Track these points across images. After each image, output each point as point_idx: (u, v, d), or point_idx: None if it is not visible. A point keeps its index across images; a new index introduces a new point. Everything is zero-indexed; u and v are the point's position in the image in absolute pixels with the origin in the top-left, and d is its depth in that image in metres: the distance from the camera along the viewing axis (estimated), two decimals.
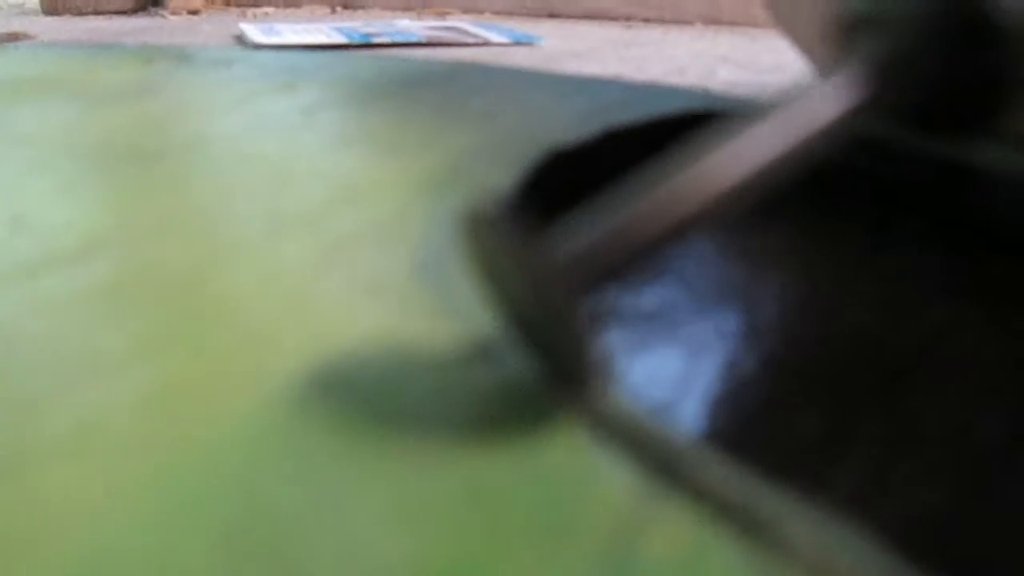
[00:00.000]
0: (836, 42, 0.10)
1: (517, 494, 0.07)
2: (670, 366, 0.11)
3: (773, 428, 0.10)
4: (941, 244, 0.15)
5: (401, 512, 0.07)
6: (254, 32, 0.51)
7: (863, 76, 0.09)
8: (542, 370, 0.08)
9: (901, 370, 0.11)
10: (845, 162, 0.16)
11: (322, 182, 0.15)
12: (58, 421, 0.08)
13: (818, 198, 0.16)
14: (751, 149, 0.08)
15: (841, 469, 0.09)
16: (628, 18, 0.61)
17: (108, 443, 0.08)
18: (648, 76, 0.35)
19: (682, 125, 0.18)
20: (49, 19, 0.69)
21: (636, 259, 0.08)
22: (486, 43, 0.48)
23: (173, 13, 0.70)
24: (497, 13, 0.66)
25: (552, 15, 0.65)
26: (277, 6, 0.75)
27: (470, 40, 0.49)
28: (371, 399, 0.08)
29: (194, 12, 0.71)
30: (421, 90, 0.22)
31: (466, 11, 0.67)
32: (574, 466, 0.07)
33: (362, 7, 0.73)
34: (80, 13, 0.71)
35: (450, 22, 0.59)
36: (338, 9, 0.73)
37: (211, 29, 0.59)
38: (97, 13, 0.71)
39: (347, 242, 0.12)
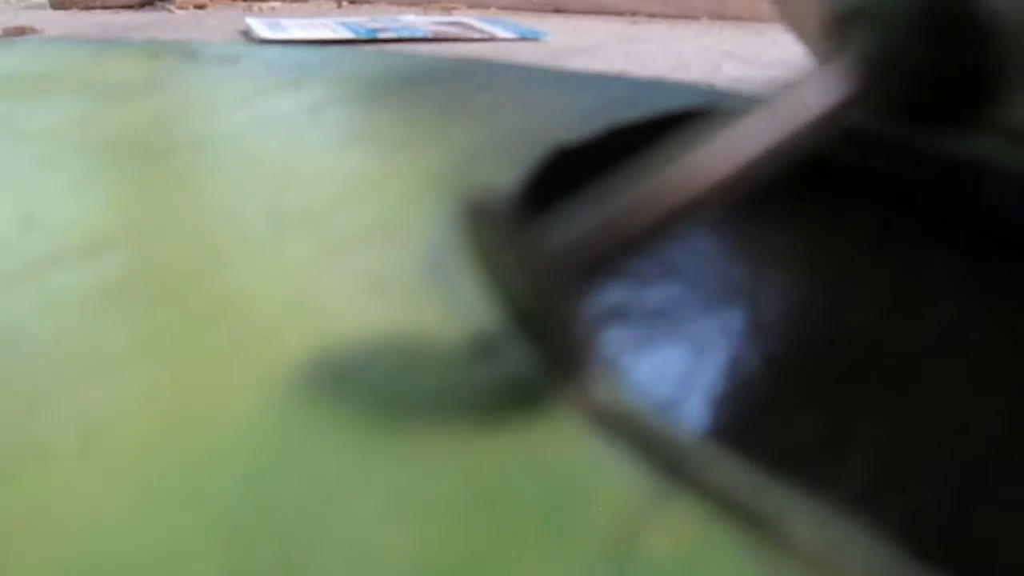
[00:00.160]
0: (829, 36, 0.10)
1: (521, 491, 0.07)
2: (674, 364, 0.11)
3: (776, 426, 0.10)
4: (945, 243, 0.15)
5: (406, 509, 0.07)
6: (260, 27, 0.51)
7: (853, 69, 0.09)
8: (547, 368, 0.09)
9: (904, 369, 0.11)
10: (849, 160, 0.16)
11: (327, 180, 0.15)
12: (62, 420, 0.08)
13: (822, 197, 0.16)
14: (740, 141, 0.09)
15: (844, 467, 0.09)
16: (633, 13, 0.61)
17: (113, 441, 0.08)
18: (653, 72, 0.35)
19: (687, 122, 0.18)
20: (56, 13, 0.69)
21: (627, 249, 0.08)
22: (492, 38, 0.48)
23: (179, 7, 0.70)
24: (503, 8, 0.66)
25: (558, 10, 0.64)
26: (283, 0, 0.75)
27: (476, 35, 0.49)
28: (376, 397, 0.08)
29: (200, 7, 0.71)
30: (427, 87, 0.22)
31: (472, 6, 0.67)
32: (578, 463, 0.07)
33: (368, 2, 0.73)
34: (87, 7, 0.71)
35: (456, 17, 0.59)
36: (344, 4, 0.73)
37: (217, 24, 0.59)
38: (104, 7, 0.71)
39: (352, 240, 0.12)
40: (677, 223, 0.08)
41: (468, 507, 0.07)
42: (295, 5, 0.73)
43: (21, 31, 0.54)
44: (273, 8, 0.71)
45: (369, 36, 0.48)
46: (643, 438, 0.08)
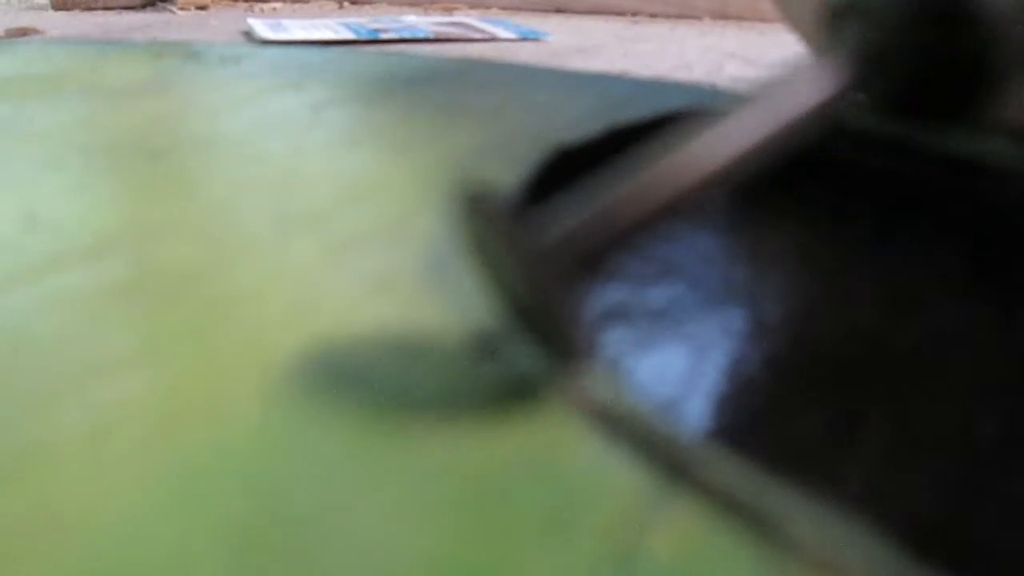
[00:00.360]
0: (824, 31, 0.10)
1: (524, 491, 0.07)
2: (676, 364, 0.11)
3: (777, 426, 0.10)
4: (946, 243, 0.15)
5: (409, 508, 0.07)
6: (261, 28, 0.51)
7: (845, 64, 0.09)
8: (549, 367, 0.09)
9: (904, 369, 0.11)
10: (849, 160, 0.16)
11: (330, 180, 0.15)
12: (67, 420, 0.08)
13: (823, 196, 0.16)
14: (732, 135, 0.09)
15: (845, 467, 0.09)
16: (635, 13, 0.61)
17: (116, 442, 0.08)
18: (655, 72, 0.35)
19: (688, 122, 0.18)
20: (58, 14, 0.69)
21: (621, 242, 0.08)
22: (493, 39, 0.48)
23: (181, 8, 0.70)
24: (504, 9, 0.66)
25: (559, 10, 0.64)
26: (285, 1, 0.75)
27: (477, 36, 0.49)
28: (380, 397, 0.08)
29: (202, 7, 0.71)
30: (428, 87, 0.22)
31: (473, 6, 0.67)
32: (580, 463, 0.07)
33: (369, 3, 0.73)
34: (89, 8, 0.71)
35: (457, 17, 0.59)
36: (345, 5, 0.73)
37: (219, 24, 0.59)
38: (106, 8, 0.71)
39: (355, 240, 0.12)
40: (669, 216, 0.08)
41: (470, 506, 0.07)
42: (296, 6, 0.73)
43: (23, 32, 0.54)
44: (274, 9, 0.71)
45: (370, 37, 0.48)
46: (645, 438, 0.08)
